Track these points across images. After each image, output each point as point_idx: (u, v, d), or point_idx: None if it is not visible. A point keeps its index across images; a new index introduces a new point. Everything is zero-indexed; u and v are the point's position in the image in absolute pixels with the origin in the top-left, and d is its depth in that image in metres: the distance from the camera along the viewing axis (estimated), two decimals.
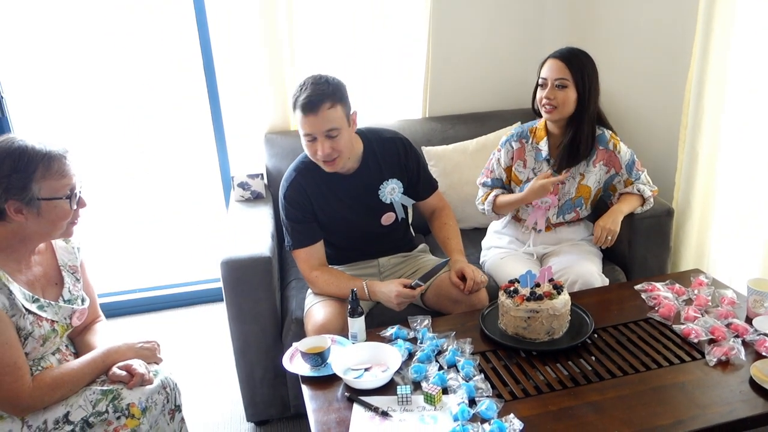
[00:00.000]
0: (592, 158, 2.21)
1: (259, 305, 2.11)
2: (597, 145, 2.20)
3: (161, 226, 4.28)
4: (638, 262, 2.37)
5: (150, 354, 1.63)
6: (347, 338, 1.78)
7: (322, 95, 1.85)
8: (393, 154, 2.12)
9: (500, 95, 3.07)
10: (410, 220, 2.31)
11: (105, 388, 1.48)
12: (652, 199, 2.26)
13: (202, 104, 2.94)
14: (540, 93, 2.15)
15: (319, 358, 1.65)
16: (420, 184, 2.18)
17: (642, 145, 2.66)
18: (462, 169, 2.73)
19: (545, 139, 2.22)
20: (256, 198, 2.67)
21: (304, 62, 2.79)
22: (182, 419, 1.66)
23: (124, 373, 1.51)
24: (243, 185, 2.64)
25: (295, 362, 1.70)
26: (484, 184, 2.37)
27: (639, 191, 2.23)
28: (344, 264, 2.20)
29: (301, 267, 2.07)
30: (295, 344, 1.73)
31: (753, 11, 2.07)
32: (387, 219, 2.14)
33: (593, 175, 2.23)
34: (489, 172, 2.36)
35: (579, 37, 2.97)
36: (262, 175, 2.68)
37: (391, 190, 2.10)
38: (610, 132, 2.23)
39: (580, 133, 2.15)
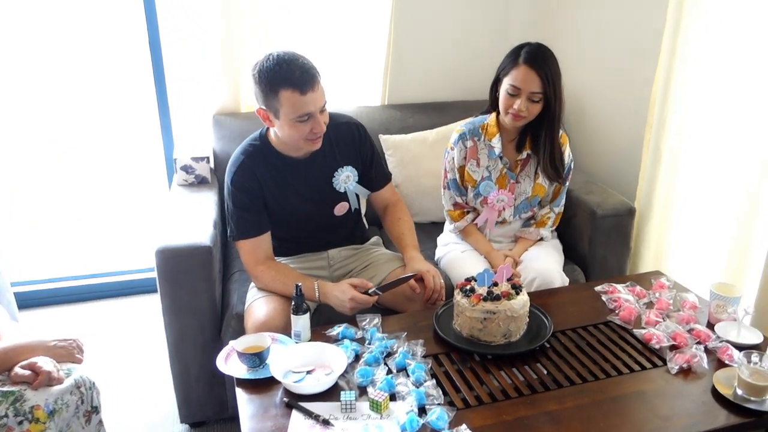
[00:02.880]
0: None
1: (197, 298, 1.95)
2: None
3: (96, 208, 4.01)
4: (598, 261, 2.30)
5: (66, 354, 1.46)
6: (290, 337, 1.64)
7: (313, 70, 1.73)
8: (348, 139, 1.98)
9: (462, 85, 2.97)
10: (364, 211, 2.18)
11: (5, 389, 1.31)
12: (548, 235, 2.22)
13: (146, 79, 2.74)
14: (508, 100, 1.99)
15: (257, 358, 1.51)
16: (373, 172, 2.05)
17: (606, 144, 2.60)
18: (420, 160, 2.62)
19: (498, 135, 2.10)
20: (200, 183, 2.50)
21: (259, 42, 2.62)
22: (100, 421, 1.50)
23: (27, 372, 1.33)
24: (186, 168, 2.46)
25: (230, 363, 1.56)
26: (447, 187, 2.24)
27: (540, 236, 2.19)
28: (291, 256, 2.05)
29: (245, 260, 1.92)
30: (231, 342, 1.59)
31: (723, 10, 2.01)
32: (340, 209, 2.00)
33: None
34: (446, 173, 2.23)
35: (544, 30, 2.89)
36: (208, 158, 2.50)
37: (346, 178, 1.96)
38: (562, 131, 2.13)
39: (552, 145, 2.06)
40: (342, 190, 1.97)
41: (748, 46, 1.96)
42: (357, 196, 2.02)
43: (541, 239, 2.21)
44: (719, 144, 2.10)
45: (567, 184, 2.19)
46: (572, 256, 2.33)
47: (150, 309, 2.89)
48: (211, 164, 2.56)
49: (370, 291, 1.79)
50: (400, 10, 2.73)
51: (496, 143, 2.11)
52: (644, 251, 2.41)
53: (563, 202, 2.21)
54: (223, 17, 2.51)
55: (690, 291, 1.88)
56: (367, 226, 2.25)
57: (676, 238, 2.30)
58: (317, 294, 1.82)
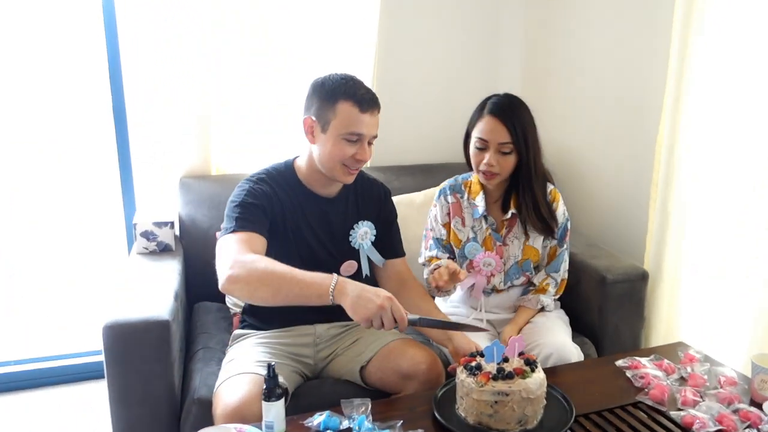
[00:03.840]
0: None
1: (151, 384, 1.66)
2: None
3: (37, 281, 3.62)
4: (609, 333, 2.06)
5: None
6: (260, 429, 1.35)
7: (377, 97, 1.68)
8: (374, 196, 1.84)
9: (450, 146, 2.78)
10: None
11: None
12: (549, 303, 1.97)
13: (108, 135, 2.50)
14: (478, 155, 1.84)
15: None
16: (390, 238, 1.86)
17: (608, 204, 2.43)
18: (408, 223, 2.38)
19: (481, 193, 1.94)
20: (162, 251, 2.23)
21: (232, 97, 2.45)
22: None
23: None
24: (147, 235, 2.21)
25: None
26: (428, 248, 2.03)
27: (541, 304, 1.94)
28: (275, 329, 1.76)
29: (230, 251, 1.49)
30: None
31: (728, 60, 1.89)
32: (347, 268, 1.77)
33: (539, 236, 1.95)
34: (430, 232, 2.04)
35: (535, 87, 2.77)
36: (172, 223, 2.25)
37: (364, 234, 1.77)
38: (553, 186, 1.96)
39: (534, 198, 1.87)
40: (356, 247, 1.77)
41: (756, 95, 1.82)
42: (369, 260, 1.81)
43: (543, 309, 1.97)
44: (734, 200, 1.92)
45: (565, 246, 1.98)
46: (579, 327, 2.08)
47: (96, 399, 2.49)
48: (176, 230, 2.31)
49: (409, 318, 1.44)
50: (384, 67, 2.59)
51: (480, 202, 1.94)
52: (655, 320, 2.19)
53: (564, 266, 1.99)
54: (195, 70, 2.35)
55: (723, 365, 1.64)
56: None
57: (691, 305, 2.08)
58: (333, 287, 1.39)
